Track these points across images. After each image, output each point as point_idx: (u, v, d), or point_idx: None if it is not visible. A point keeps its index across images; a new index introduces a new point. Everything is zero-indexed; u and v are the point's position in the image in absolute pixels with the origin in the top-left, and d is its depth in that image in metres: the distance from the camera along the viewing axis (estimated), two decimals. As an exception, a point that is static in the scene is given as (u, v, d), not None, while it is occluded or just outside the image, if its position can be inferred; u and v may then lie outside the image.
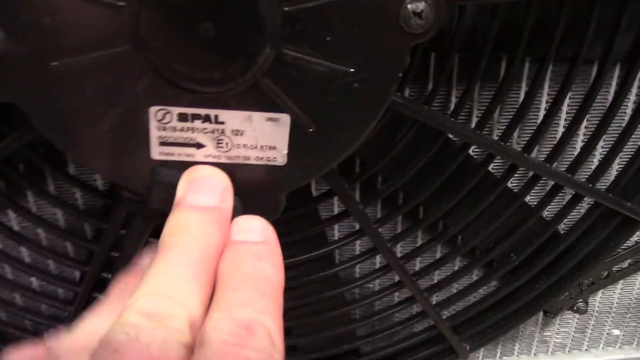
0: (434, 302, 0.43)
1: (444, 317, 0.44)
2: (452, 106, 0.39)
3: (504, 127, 0.39)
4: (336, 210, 0.42)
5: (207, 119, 0.28)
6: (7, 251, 0.39)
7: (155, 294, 0.22)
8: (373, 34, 0.26)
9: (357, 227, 0.42)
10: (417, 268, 0.44)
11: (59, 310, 0.40)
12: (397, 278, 0.43)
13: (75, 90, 0.26)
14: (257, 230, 0.26)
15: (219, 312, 0.22)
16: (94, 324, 0.24)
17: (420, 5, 0.26)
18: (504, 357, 0.53)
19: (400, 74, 0.28)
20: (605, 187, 0.40)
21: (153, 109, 0.27)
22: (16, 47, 0.25)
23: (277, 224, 0.31)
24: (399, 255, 0.40)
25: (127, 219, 0.35)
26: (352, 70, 0.27)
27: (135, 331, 0.20)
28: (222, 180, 0.27)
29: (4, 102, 0.26)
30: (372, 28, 0.26)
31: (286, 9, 0.25)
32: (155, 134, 0.28)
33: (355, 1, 0.26)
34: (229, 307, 0.22)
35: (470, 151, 0.37)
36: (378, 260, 0.44)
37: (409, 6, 0.26)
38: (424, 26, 0.26)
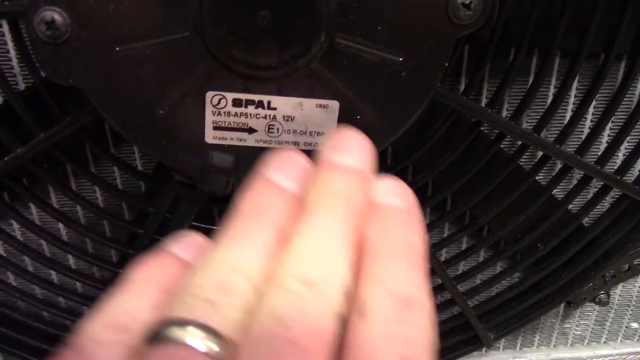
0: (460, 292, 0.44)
1: (470, 306, 0.45)
2: (484, 99, 0.40)
3: (532, 121, 0.40)
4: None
5: (260, 104, 0.29)
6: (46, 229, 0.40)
7: (311, 259, 0.21)
8: (422, 25, 0.28)
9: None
10: (442, 258, 0.45)
11: (96, 290, 0.41)
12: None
13: (136, 75, 0.27)
14: (399, 194, 0.25)
15: (375, 282, 0.21)
16: (126, 304, 0.22)
17: (469, -3, 0.27)
18: (525, 348, 0.54)
19: (446, 64, 0.29)
20: (632, 180, 0.41)
21: (209, 94, 0.28)
22: (82, 32, 0.26)
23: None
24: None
25: (172, 203, 0.36)
26: (400, 59, 0.28)
27: (300, 301, 0.19)
28: (367, 143, 0.26)
29: (68, 85, 0.28)
30: (421, 18, 0.27)
31: (341, -1, 0.26)
32: (210, 118, 0.29)
33: (407, -8, 0.27)
34: (386, 278, 0.21)
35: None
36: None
37: (458, -3, 0.27)
38: (472, 17, 0.27)
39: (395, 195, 0.24)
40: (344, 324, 0.20)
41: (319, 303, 0.20)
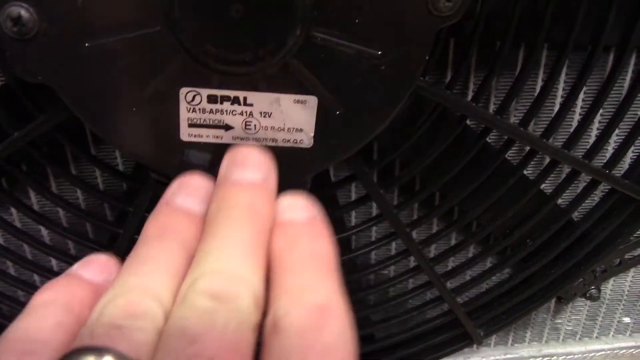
0: (449, 288, 0.44)
1: (460, 303, 0.44)
2: (470, 92, 0.39)
3: (519, 115, 0.40)
4: (353, 196, 0.42)
5: (235, 100, 0.28)
6: (27, 232, 0.39)
7: (218, 272, 0.21)
8: (401, 17, 0.27)
9: (374, 213, 0.43)
10: (431, 254, 0.44)
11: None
12: (412, 264, 0.43)
13: (107, 71, 0.27)
14: (303, 208, 0.25)
15: (286, 296, 0.21)
16: (32, 330, 0.22)
17: (449, -12, 0.26)
18: (516, 344, 0.53)
19: (427, 57, 0.28)
20: (621, 173, 0.40)
21: (183, 90, 0.28)
22: (49, 28, 0.26)
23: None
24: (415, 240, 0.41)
25: (151, 202, 0.35)
26: (379, 52, 0.27)
27: (208, 316, 0.19)
28: (266, 158, 0.27)
29: (37, 82, 0.27)
30: (400, 11, 0.27)
31: (317, -9, 0.26)
32: (185, 115, 0.28)
33: (385, -16, 0.26)
34: (296, 290, 0.21)
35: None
36: (394, 247, 0.44)
37: (437, -12, 0.26)
38: (452, 8, 0.27)
39: (298, 209, 0.25)
40: (260, 332, 0.20)
41: (228, 315, 0.19)
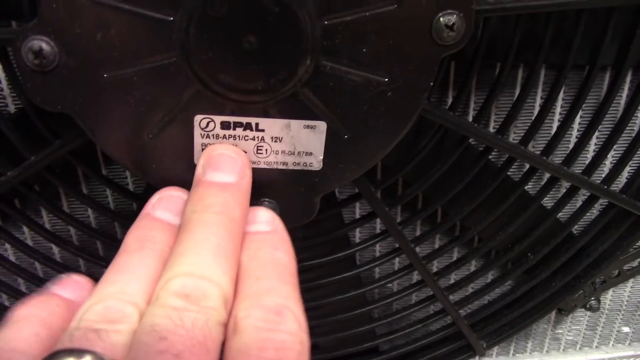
0: (452, 301, 0.44)
1: (462, 315, 0.45)
2: (471, 111, 0.40)
3: (519, 132, 0.41)
4: (357, 213, 0.43)
5: (248, 126, 0.29)
6: (39, 249, 0.40)
7: (189, 273, 0.22)
8: (406, 46, 0.28)
9: (379, 229, 0.44)
10: (435, 268, 0.45)
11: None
12: (416, 278, 0.44)
13: (125, 100, 0.28)
14: (267, 221, 0.27)
15: (247, 300, 0.23)
16: (11, 340, 0.24)
17: (452, 19, 0.27)
18: (517, 355, 0.54)
19: (431, 83, 0.29)
20: (619, 189, 0.41)
21: (197, 117, 0.29)
22: (70, 60, 0.27)
23: (305, 226, 0.33)
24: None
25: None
26: (386, 79, 0.29)
27: (177, 314, 0.21)
28: (240, 157, 0.28)
29: (57, 111, 0.28)
30: (405, 40, 0.28)
31: (326, 22, 0.27)
32: (198, 140, 0.29)
33: (391, 15, 0.27)
34: (256, 294, 0.23)
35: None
36: (397, 262, 0.45)
37: (441, 19, 0.27)
38: (455, 38, 0.28)
39: (264, 222, 0.27)
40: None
41: (197, 314, 0.21)
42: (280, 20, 0.26)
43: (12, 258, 0.41)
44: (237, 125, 0.29)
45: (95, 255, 0.39)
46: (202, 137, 0.29)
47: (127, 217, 0.40)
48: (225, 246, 0.24)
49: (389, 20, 0.27)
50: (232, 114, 0.29)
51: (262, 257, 0.25)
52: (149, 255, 0.25)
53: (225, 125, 0.29)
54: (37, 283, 0.40)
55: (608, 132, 0.40)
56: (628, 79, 0.40)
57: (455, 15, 0.27)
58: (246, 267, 0.25)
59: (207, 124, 0.29)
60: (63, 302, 0.26)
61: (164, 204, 0.28)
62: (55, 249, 0.42)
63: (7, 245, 0.41)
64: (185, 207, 0.26)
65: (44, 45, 0.26)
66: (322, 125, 0.29)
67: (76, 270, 0.40)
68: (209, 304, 0.22)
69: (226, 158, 0.28)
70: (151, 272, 0.24)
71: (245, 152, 0.30)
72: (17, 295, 0.40)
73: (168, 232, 0.26)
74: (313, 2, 0.26)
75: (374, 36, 0.27)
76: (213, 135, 0.29)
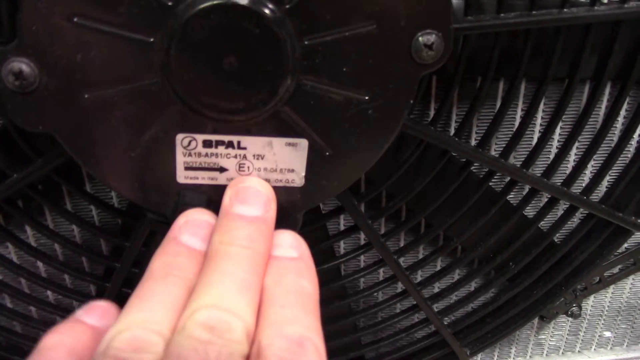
0: (435, 310, 0.45)
1: (445, 324, 0.46)
2: (453, 124, 0.40)
3: (501, 143, 0.41)
4: (342, 226, 0.43)
5: (230, 144, 0.29)
6: (24, 266, 0.40)
7: (215, 306, 0.23)
8: (386, 65, 0.28)
9: (363, 241, 0.44)
10: (419, 278, 0.46)
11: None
12: (400, 288, 0.44)
13: (106, 120, 0.28)
14: (292, 246, 0.28)
15: (270, 328, 0.23)
16: None
17: (431, 38, 0.28)
18: (501, 360, 0.55)
19: (411, 101, 0.29)
20: (598, 199, 0.42)
21: (179, 137, 0.29)
22: (50, 81, 0.27)
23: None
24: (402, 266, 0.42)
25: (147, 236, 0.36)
26: (366, 98, 0.29)
27: (202, 346, 0.22)
28: (267, 191, 0.29)
29: (38, 132, 0.28)
30: (385, 59, 0.28)
31: (306, 42, 0.27)
32: (181, 159, 0.29)
33: (370, 35, 0.27)
34: (280, 323, 0.24)
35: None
36: (382, 272, 0.46)
37: (420, 39, 0.28)
38: (435, 57, 0.28)
39: (290, 247, 0.28)
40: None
41: (221, 346, 0.22)
42: (261, 41, 0.26)
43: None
44: (219, 143, 0.29)
45: (80, 270, 0.39)
46: (184, 156, 0.29)
47: (112, 231, 0.40)
48: (249, 279, 0.25)
49: (368, 40, 0.27)
50: (214, 132, 0.29)
51: (287, 284, 0.26)
52: (174, 283, 0.25)
53: (207, 144, 0.29)
54: (22, 298, 0.40)
55: (588, 142, 0.40)
56: (607, 90, 0.41)
57: (434, 35, 0.28)
58: (270, 293, 0.25)
59: (189, 142, 0.29)
60: (89, 329, 0.26)
61: (191, 228, 0.28)
62: (40, 265, 0.42)
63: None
64: (212, 237, 0.27)
65: (24, 67, 0.26)
66: (303, 143, 0.30)
67: (60, 285, 0.40)
68: (233, 337, 0.22)
69: (253, 191, 0.29)
70: (176, 300, 0.24)
71: (227, 170, 0.30)
72: (3, 311, 0.40)
73: (194, 258, 0.27)
74: (293, 23, 0.26)
75: (354, 56, 0.28)
76: (195, 153, 0.29)
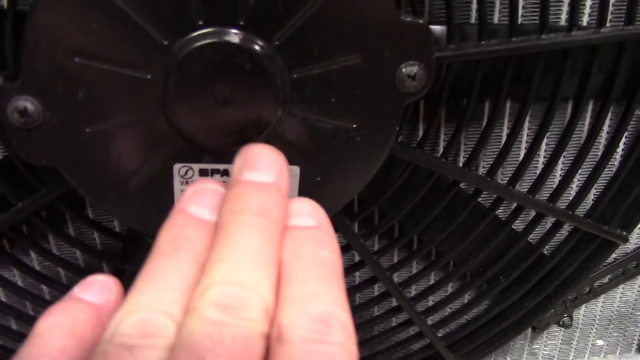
0: (429, 323, 0.46)
1: (439, 336, 0.47)
2: (441, 142, 0.42)
3: (488, 160, 0.42)
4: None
5: (225, 172, 0.31)
6: (29, 289, 0.41)
7: (228, 282, 0.21)
8: (372, 95, 0.30)
9: (357, 259, 0.45)
10: (412, 293, 0.47)
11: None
12: (394, 303, 0.46)
13: (107, 153, 0.29)
14: (310, 214, 0.25)
15: (291, 306, 0.21)
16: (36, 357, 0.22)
17: (414, 69, 0.29)
18: (496, 370, 0.56)
19: (397, 128, 0.31)
20: (584, 213, 0.43)
21: (177, 166, 0.30)
22: (53, 117, 0.28)
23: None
24: (396, 281, 0.43)
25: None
26: (354, 126, 0.30)
27: (217, 330, 0.19)
28: (278, 157, 0.26)
29: (42, 165, 0.29)
30: (371, 90, 0.30)
31: (295, 76, 0.29)
32: (178, 187, 0.31)
33: (356, 67, 0.29)
34: (301, 300, 0.21)
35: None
36: (377, 287, 0.47)
37: (403, 70, 0.29)
38: (417, 87, 0.30)
39: (307, 215, 0.25)
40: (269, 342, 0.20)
41: (237, 327, 0.20)
42: (253, 76, 0.28)
43: (3, 298, 0.43)
44: (214, 172, 0.31)
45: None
46: (182, 184, 0.31)
47: (113, 254, 0.41)
48: (265, 250, 0.22)
49: (354, 72, 0.29)
50: (210, 162, 0.30)
51: (306, 256, 0.23)
52: (184, 258, 0.23)
53: (203, 173, 0.30)
54: (27, 321, 0.41)
55: (572, 157, 0.42)
56: (590, 107, 0.42)
57: (416, 66, 0.29)
58: (289, 268, 0.23)
59: (186, 171, 0.30)
60: (89, 307, 0.24)
61: (199, 198, 0.25)
62: (44, 287, 0.43)
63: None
64: (222, 207, 0.24)
65: (29, 105, 0.28)
66: (295, 170, 0.31)
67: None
68: (250, 315, 0.20)
69: (263, 157, 0.26)
70: (187, 277, 0.22)
71: None
72: (7, 333, 0.42)
73: (204, 230, 0.24)
74: (282, 58, 0.28)
75: (341, 87, 0.29)
76: (192, 182, 0.31)
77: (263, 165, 0.26)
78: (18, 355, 0.22)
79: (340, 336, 0.20)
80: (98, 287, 0.25)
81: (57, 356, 0.22)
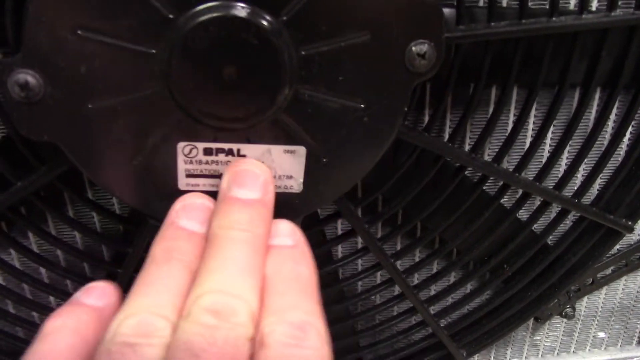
0: (432, 312, 0.46)
1: (442, 326, 0.47)
2: (447, 129, 0.41)
3: (494, 147, 0.42)
4: (339, 229, 0.44)
5: (230, 152, 0.30)
6: (27, 272, 0.41)
7: (219, 290, 0.24)
8: (381, 74, 0.29)
9: (360, 245, 0.45)
10: (415, 281, 0.47)
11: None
12: (397, 291, 0.45)
13: (109, 129, 0.29)
14: (288, 234, 0.28)
15: (273, 315, 0.24)
16: (45, 355, 0.25)
17: (424, 48, 0.29)
18: (498, 361, 0.56)
19: (405, 109, 0.30)
20: (590, 201, 0.43)
21: (181, 145, 0.29)
22: (55, 92, 0.27)
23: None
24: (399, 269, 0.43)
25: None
26: (362, 106, 0.30)
27: (209, 332, 0.22)
28: (264, 173, 0.29)
29: (43, 141, 0.29)
30: (380, 68, 0.29)
31: (303, 53, 0.28)
32: (182, 167, 0.30)
33: (365, 45, 0.28)
34: (281, 310, 0.24)
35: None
36: (379, 275, 0.46)
37: (413, 48, 0.29)
38: (427, 66, 0.29)
39: (286, 236, 0.28)
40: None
41: (227, 330, 0.22)
42: (260, 52, 0.27)
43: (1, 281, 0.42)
44: (219, 151, 0.30)
45: (82, 276, 0.40)
46: (186, 163, 0.30)
47: (113, 237, 0.41)
48: (251, 263, 0.25)
49: (363, 50, 0.28)
50: (214, 140, 0.30)
51: (285, 272, 0.26)
52: (176, 266, 0.26)
53: (207, 152, 0.30)
54: (25, 304, 0.40)
55: (579, 146, 0.41)
56: (597, 95, 0.42)
57: (426, 45, 0.29)
58: (271, 281, 0.26)
59: (190, 150, 0.30)
60: (90, 309, 0.27)
61: (189, 212, 0.28)
62: (43, 270, 0.42)
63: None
64: (212, 221, 0.27)
65: (30, 78, 0.27)
66: (301, 150, 0.30)
67: (63, 290, 0.41)
68: (238, 320, 0.23)
69: (250, 174, 0.29)
70: (180, 284, 0.25)
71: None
72: (6, 316, 0.41)
73: (194, 241, 0.27)
74: (290, 34, 0.27)
75: (349, 65, 0.29)
76: (196, 161, 0.30)
77: (250, 182, 0.29)
78: (29, 352, 0.24)
79: (316, 341, 0.23)
80: (98, 292, 0.28)
81: (66, 353, 0.25)
